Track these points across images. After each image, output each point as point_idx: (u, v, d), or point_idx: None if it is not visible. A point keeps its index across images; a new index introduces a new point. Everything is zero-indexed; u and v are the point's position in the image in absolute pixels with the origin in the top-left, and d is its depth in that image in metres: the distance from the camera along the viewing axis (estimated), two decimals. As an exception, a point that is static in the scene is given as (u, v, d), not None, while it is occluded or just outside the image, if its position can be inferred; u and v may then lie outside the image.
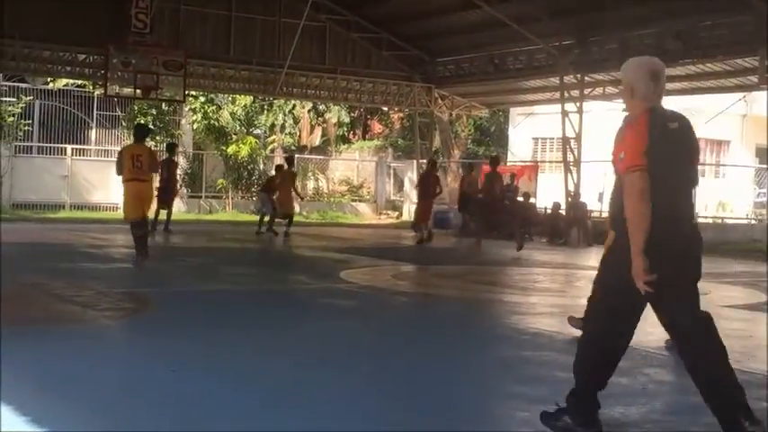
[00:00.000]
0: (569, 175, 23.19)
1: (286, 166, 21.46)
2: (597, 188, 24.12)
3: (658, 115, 4.57)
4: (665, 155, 4.41)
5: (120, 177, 13.00)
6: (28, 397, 5.21)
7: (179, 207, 28.61)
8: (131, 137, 26.29)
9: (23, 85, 28.58)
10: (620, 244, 4.50)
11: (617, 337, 4.79)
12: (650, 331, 8.64)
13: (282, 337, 7.72)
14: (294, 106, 34.43)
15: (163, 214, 19.93)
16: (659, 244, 4.34)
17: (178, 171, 23.85)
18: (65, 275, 11.42)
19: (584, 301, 8.68)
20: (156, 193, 16.37)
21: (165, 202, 20.00)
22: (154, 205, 14.76)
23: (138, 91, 22.73)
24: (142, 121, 25.90)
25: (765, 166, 29.22)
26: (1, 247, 11.32)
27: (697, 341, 4.61)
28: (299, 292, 11.16)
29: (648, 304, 4.70)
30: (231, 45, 24.59)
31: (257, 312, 9.24)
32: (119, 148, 28.31)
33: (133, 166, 12.71)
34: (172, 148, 21.78)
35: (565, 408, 4.75)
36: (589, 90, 23.83)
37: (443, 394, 5.81)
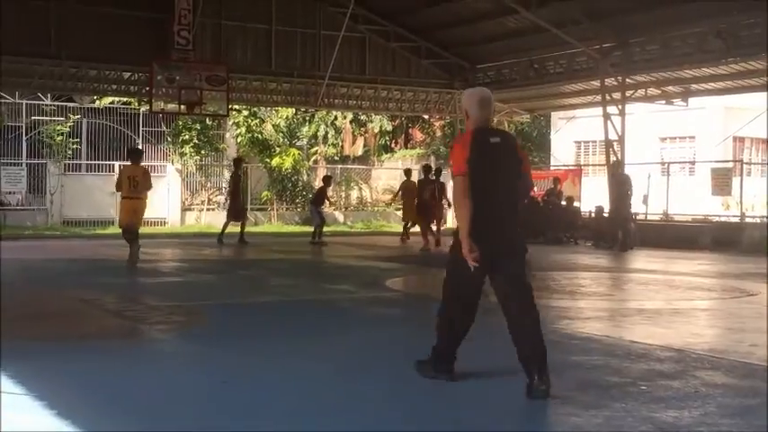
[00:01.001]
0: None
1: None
2: (642, 190, 23.89)
3: (483, 133, 5.89)
4: (485, 163, 5.76)
5: (120, 193, 14.98)
6: (82, 411, 5.28)
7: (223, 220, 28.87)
8: (176, 153, 26.71)
9: (71, 105, 29.03)
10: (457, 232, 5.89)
11: (461, 304, 6.16)
12: (700, 333, 8.58)
13: (330, 346, 7.74)
14: (336, 117, 34.57)
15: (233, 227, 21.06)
16: (479, 230, 5.69)
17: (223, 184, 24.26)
18: (116, 290, 11.56)
19: (632, 305, 8.68)
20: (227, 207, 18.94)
21: (235, 215, 21.16)
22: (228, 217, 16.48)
23: (182, 107, 22.98)
24: (185, 136, 26.17)
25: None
26: (1, 263, 11.59)
27: (521, 306, 6.00)
28: (346, 301, 11.17)
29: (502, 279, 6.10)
30: (272, 58, 24.76)
31: (305, 323, 9.27)
32: (164, 164, 29.04)
33: (130, 186, 14.55)
34: (238, 163, 22.13)
35: (430, 357, 6.19)
36: (631, 92, 23.63)
37: (494, 400, 5.78)
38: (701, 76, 22.94)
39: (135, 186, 14.51)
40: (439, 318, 6.22)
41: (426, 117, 36.53)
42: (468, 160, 5.72)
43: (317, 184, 33.45)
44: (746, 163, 27.22)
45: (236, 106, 28.47)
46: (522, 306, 6.01)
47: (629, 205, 21.57)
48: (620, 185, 21.15)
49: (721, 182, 23.50)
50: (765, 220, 24.36)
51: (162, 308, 10.02)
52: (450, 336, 6.16)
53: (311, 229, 21.71)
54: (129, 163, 15.45)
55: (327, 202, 23.25)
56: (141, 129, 30.17)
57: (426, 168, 21.72)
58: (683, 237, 21.55)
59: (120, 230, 15.51)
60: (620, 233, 20.83)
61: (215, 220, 28.83)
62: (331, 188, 24.75)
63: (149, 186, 15.00)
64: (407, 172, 23.87)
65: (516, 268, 6.06)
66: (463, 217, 5.72)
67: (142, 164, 15.72)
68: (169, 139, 29.90)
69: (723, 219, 24.24)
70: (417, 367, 6.28)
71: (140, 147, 22.63)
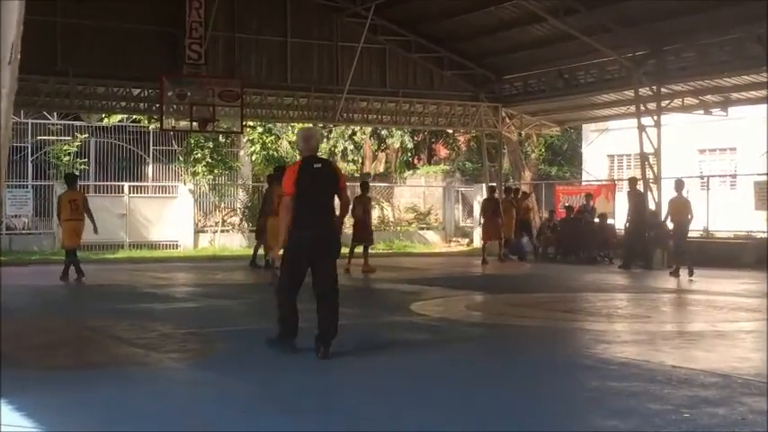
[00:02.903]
0: (649, 193, 22.88)
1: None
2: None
3: (308, 161, 8.51)
4: (307, 185, 8.27)
5: (62, 217, 16.77)
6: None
7: (240, 242, 29.00)
8: (188, 172, 26.81)
9: (78, 123, 29.27)
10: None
11: (290, 289, 8.44)
12: (747, 357, 8.51)
13: (355, 372, 7.74)
14: (354, 132, 34.66)
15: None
16: (298, 236, 8.22)
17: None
18: (127, 317, 11.61)
19: (672, 327, 8.55)
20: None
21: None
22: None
23: (194, 124, 23.07)
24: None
25: None
26: (1, 290, 11.75)
27: (327, 296, 8.34)
28: (370, 326, 11.16)
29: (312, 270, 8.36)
30: (288, 72, 24.85)
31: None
32: (176, 184, 29.18)
33: (70, 209, 16.58)
34: (272, 180, 21.45)
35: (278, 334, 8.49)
36: (667, 102, 23.53)
37: (528, 427, 5.75)
38: (741, 84, 22.83)
39: (76, 209, 16.56)
40: (277, 297, 8.66)
41: (450, 131, 36.55)
42: (296, 182, 8.26)
43: (337, 202, 33.53)
44: (791, 175, 27.00)
45: (251, 122, 28.61)
46: (329, 296, 8.36)
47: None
48: (639, 200, 20.92)
49: (765, 196, 23.33)
50: None
51: (175, 335, 10.05)
52: (287, 314, 8.42)
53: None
54: (66, 189, 17.45)
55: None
56: (151, 147, 30.36)
57: (364, 186, 21.52)
58: (725, 254, 21.40)
59: (65, 251, 17.27)
60: (657, 251, 20.72)
61: (229, 242, 28.94)
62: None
63: (88, 210, 16.81)
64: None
65: (329, 266, 8.43)
66: (284, 224, 8.37)
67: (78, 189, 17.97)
68: (181, 157, 30.06)
69: (767, 235, 24.04)
70: (268, 344, 8.61)
71: (77, 173, 22.80)
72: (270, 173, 23.57)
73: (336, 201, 8.71)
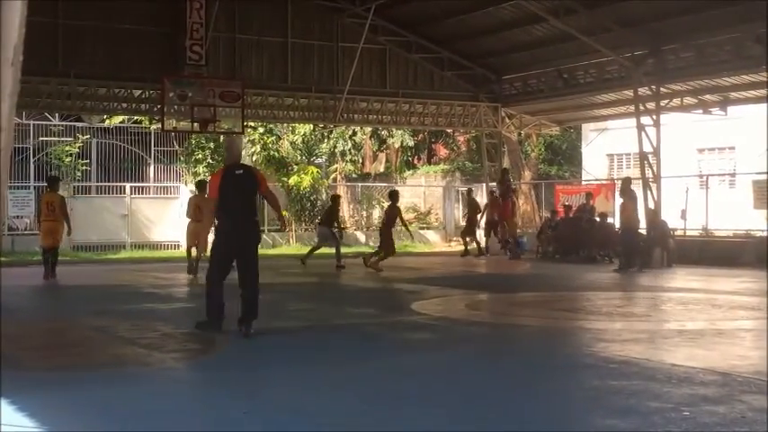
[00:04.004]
0: (649, 192, 22.87)
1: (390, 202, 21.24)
2: (679, 205, 23.77)
3: (231, 168, 9.73)
4: (230, 189, 9.47)
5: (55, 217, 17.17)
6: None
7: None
8: (190, 173, 26.76)
9: (80, 125, 29.30)
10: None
11: (219, 276, 9.64)
12: (746, 355, 8.51)
13: (357, 372, 7.74)
14: (355, 132, 34.66)
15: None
16: (223, 234, 9.57)
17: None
18: (129, 317, 11.62)
19: (672, 326, 8.54)
20: None
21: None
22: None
23: (195, 124, 23.07)
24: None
25: None
26: (1, 290, 11.77)
27: (248, 282, 9.53)
28: (371, 326, 11.17)
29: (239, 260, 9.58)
30: (289, 73, 24.89)
31: (328, 348, 9.28)
32: (177, 185, 29.19)
33: (48, 210, 17.17)
34: (198, 188, 21.54)
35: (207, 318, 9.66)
36: (666, 101, 23.54)
37: (530, 427, 5.76)
38: (740, 84, 22.83)
39: (52, 211, 17.14)
40: (207, 285, 9.79)
41: (450, 131, 36.55)
42: (220, 187, 9.49)
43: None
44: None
45: (252, 123, 28.61)
46: (250, 282, 9.53)
47: (665, 222, 21.46)
48: (630, 200, 20.87)
49: (763, 194, 23.33)
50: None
51: (177, 335, 10.06)
52: (215, 300, 9.60)
53: (334, 251, 21.23)
54: (48, 190, 17.97)
55: (336, 224, 21.90)
56: (153, 148, 30.38)
57: (334, 198, 22.81)
58: (724, 253, 21.40)
59: (42, 250, 17.79)
60: (657, 250, 20.71)
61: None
62: (341, 208, 24.00)
63: (65, 212, 17.44)
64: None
65: (251, 255, 9.58)
66: (208, 225, 10.18)
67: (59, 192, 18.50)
68: (182, 158, 30.09)
69: (766, 234, 24.04)
70: (198, 327, 9.76)
71: (57, 175, 22.89)
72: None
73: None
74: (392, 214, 20.64)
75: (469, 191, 28.45)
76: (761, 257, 20.54)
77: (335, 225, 21.61)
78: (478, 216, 25.97)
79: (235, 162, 9.87)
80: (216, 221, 9.72)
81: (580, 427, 5.88)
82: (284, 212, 30.29)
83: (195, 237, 17.72)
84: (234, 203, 9.46)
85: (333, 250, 21.13)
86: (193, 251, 18.18)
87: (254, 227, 9.73)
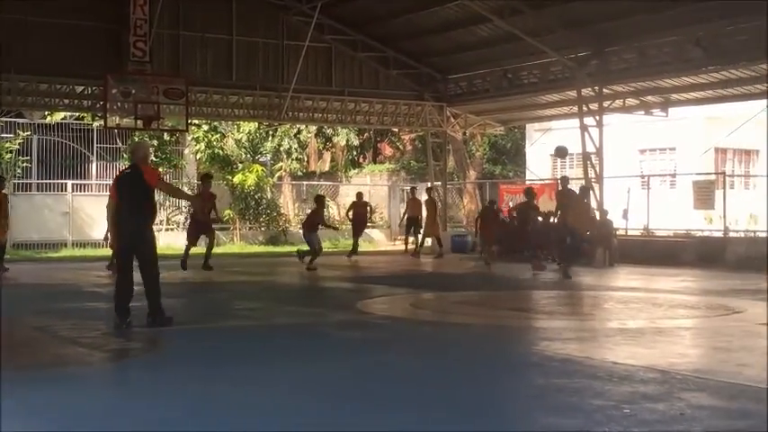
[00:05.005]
0: (591, 192, 23.11)
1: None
2: (621, 205, 24.07)
3: (125, 171, 10.42)
4: (122, 190, 10.12)
5: None
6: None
7: (185, 241, 28.72)
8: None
9: (21, 121, 28.80)
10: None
11: (122, 274, 10.23)
12: (685, 353, 8.66)
13: (298, 370, 7.72)
14: (300, 131, 34.57)
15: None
16: (120, 232, 10.22)
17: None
18: (71, 316, 11.47)
19: (614, 324, 8.59)
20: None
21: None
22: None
23: (138, 122, 22.80)
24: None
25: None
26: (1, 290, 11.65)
27: (146, 274, 10.06)
28: (316, 325, 11.14)
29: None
30: (233, 70, 24.76)
31: (272, 348, 9.24)
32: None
33: None
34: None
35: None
36: (609, 102, 23.84)
37: (476, 426, 5.79)
38: (681, 86, 23.21)
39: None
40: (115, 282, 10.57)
41: (396, 130, 36.62)
42: (116, 189, 10.17)
43: (282, 201, 33.45)
44: (729, 175, 27.54)
45: (196, 121, 28.41)
46: (147, 275, 10.03)
47: (609, 221, 21.69)
48: (581, 200, 20.98)
49: (703, 195, 23.71)
50: (750, 234, 24.66)
51: (119, 334, 9.93)
52: (121, 294, 10.02)
53: (279, 249, 21.16)
54: None
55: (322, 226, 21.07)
56: (95, 145, 30.00)
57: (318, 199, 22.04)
58: (665, 252, 21.71)
59: None
60: (600, 249, 20.93)
61: (174, 240, 28.65)
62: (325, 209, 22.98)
63: (4, 210, 17.97)
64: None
65: (141, 254, 10.05)
66: (114, 221, 10.34)
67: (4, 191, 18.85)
68: (125, 155, 29.71)
69: (706, 233, 24.47)
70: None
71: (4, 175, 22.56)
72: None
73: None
74: (314, 219, 20.54)
75: (413, 189, 28.18)
76: (700, 256, 20.91)
77: (321, 227, 20.90)
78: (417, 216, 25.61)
79: (134, 163, 10.33)
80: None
81: (525, 425, 5.92)
82: (228, 210, 30.36)
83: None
84: (124, 204, 10.04)
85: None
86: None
87: (140, 227, 10.02)
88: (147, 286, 10.07)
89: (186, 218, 30.00)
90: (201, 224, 18.99)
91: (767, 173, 26.07)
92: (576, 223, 18.56)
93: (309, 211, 21.74)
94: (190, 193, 24.12)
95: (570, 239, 18.28)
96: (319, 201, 21.41)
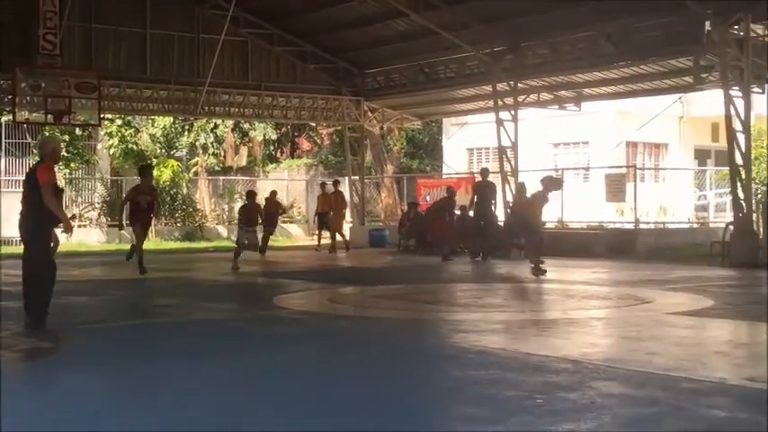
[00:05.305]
0: (507, 185, 23.42)
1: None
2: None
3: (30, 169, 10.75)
4: (24, 184, 10.15)
5: None
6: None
7: (98, 237, 28.27)
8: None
9: (-76, 115, 27.96)
10: None
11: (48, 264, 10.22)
12: (597, 343, 8.82)
13: (213, 369, 7.64)
14: (216, 125, 34.26)
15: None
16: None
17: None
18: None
19: (528, 316, 8.64)
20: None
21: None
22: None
23: (49, 116, 22.32)
24: None
25: (705, 168, 29.86)
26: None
27: (33, 275, 10.12)
28: (230, 321, 11.06)
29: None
30: (147, 64, 24.42)
31: (186, 346, 9.12)
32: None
33: None
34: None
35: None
36: (523, 97, 24.16)
37: (391, 419, 5.81)
38: (593, 81, 23.62)
39: None
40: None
41: (313, 125, 36.54)
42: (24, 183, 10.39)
43: (198, 197, 33.11)
44: (640, 168, 28.12)
45: (109, 115, 27.93)
46: (32, 273, 10.10)
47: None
48: (487, 190, 21.13)
49: (615, 188, 24.19)
50: (660, 226, 25.25)
51: (29, 333, 9.72)
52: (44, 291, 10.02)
53: (195, 245, 20.86)
54: None
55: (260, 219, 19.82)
56: (3, 141, 29.28)
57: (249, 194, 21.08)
58: (578, 244, 22.07)
59: None
60: (522, 240, 21.18)
61: (87, 237, 28.17)
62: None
63: None
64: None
65: (28, 249, 10.22)
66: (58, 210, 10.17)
67: None
68: (35, 151, 29.03)
69: (618, 225, 24.97)
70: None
71: None
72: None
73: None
74: (250, 215, 19.36)
75: (323, 184, 27.94)
76: (612, 248, 21.33)
77: (256, 224, 19.66)
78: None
79: (40, 160, 10.38)
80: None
81: (441, 416, 5.96)
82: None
83: None
84: (22, 200, 10.06)
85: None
86: None
87: (27, 223, 10.02)
88: (33, 283, 10.09)
89: (99, 214, 29.61)
90: (144, 215, 17.43)
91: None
92: (534, 217, 18.58)
93: (243, 208, 20.31)
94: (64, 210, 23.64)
95: (528, 234, 17.93)
96: (251, 195, 20.15)
